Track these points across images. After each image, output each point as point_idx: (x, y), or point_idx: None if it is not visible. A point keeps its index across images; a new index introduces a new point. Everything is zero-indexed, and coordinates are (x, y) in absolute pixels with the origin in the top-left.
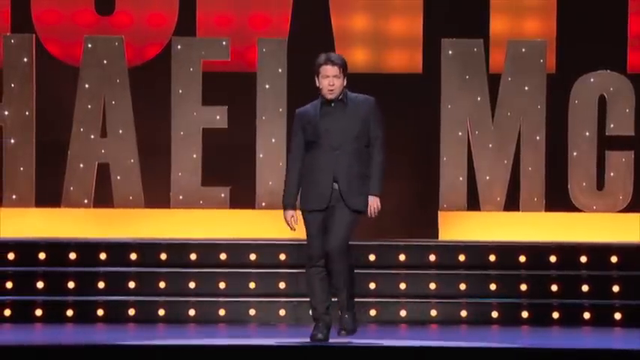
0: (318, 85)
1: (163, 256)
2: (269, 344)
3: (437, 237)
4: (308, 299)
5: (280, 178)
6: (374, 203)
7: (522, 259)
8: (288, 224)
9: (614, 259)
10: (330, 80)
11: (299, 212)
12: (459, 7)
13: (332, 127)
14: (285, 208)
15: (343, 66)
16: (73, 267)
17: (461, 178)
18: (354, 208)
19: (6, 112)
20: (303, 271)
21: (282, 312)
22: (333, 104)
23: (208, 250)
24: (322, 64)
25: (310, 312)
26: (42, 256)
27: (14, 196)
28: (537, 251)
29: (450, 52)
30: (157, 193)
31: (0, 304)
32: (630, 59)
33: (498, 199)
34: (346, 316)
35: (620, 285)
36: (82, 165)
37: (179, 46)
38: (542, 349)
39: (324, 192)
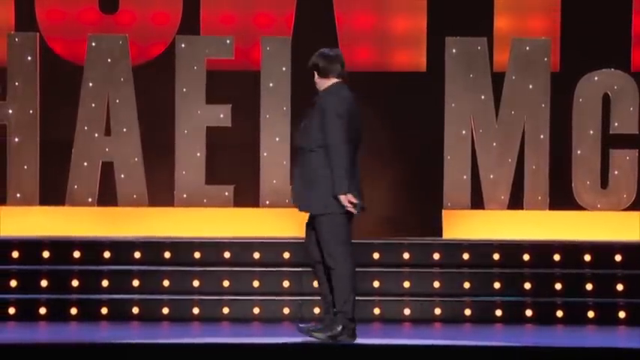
0: None
1: (167, 255)
2: (273, 342)
3: (441, 235)
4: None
5: (284, 177)
6: (343, 201)
7: (526, 257)
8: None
9: (618, 257)
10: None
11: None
12: (462, 6)
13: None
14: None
15: (309, 67)
16: (77, 265)
17: (465, 177)
18: (302, 211)
19: (10, 111)
20: (307, 269)
21: (286, 310)
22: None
23: (212, 248)
24: None
25: None
26: (46, 254)
27: (18, 195)
28: (541, 250)
29: (454, 50)
30: (160, 192)
31: (4, 302)
32: (634, 58)
33: (502, 197)
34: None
35: (624, 283)
36: (86, 163)
37: (183, 45)
38: (546, 348)
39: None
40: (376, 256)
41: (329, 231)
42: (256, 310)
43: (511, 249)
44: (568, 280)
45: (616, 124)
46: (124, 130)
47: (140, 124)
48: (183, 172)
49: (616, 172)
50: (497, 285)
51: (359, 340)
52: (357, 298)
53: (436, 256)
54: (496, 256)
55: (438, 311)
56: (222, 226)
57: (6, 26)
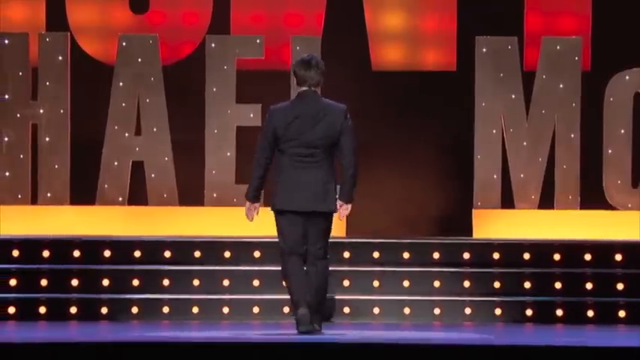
0: None
1: (197, 254)
2: (304, 341)
3: (471, 235)
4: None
5: None
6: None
7: (557, 257)
8: None
9: None
10: None
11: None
12: (493, 5)
13: None
14: None
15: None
16: (107, 265)
17: (495, 176)
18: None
19: (41, 111)
20: (336, 269)
21: None
22: None
23: (242, 247)
24: None
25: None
26: (76, 253)
27: (49, 194)
28: (572, 249)
29: (485, 49)
30: (191, 191)
31: (35, 301)
32: None
33: (533, 197)
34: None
35: None
36: (116, 163)
37: (213, 44)
38: (577, 347)
39: None
40: (406, 255)
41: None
42: (286, 310)
43: (542, 248)
44: (599, 279)
45: None
46: (155, 129)
47: (170, 124)
48: (213, 171)
49: None
50: (527, 285)
51: (387, 340)
52: (387, 298)
53: (466, 255)
54: (526, 256)
55: (468, 311)
56: (252, 225)
57: (37, 26)
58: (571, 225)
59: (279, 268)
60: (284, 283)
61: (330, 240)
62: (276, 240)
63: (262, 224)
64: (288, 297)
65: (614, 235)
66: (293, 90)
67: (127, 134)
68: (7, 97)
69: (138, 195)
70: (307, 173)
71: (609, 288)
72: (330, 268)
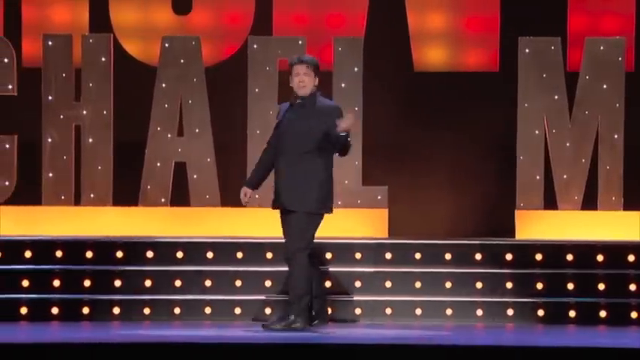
0: (291, 85)
1: (239, 255)
2: (336, 342)
3: (514, 236)
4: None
5: (354, 177)
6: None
7: (600, 258)
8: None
9: None
10: (300, 77)
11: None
12: (536, 5)
13: (288, 130)
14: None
15: (312, 64)
16: (149, 266)
17: (538, 177)
18: (288, 209)
19: (84, 112)
20: (379, 269)
21: (357, 311)
22: (295, 107)
23: (284, 248)
24: (293, 64)
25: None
26: (119, 254)
27: (92, 195)
28: (615, 250)
29: (527, 50)
30: (233, 192)
31: (78, 302)
32: None
33: (576, 198)
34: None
35: None
36: (159, 164)
37: (255, 45)
38: (620, 349)
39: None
40: (448, 256)
41: (299, 230)
42: (329, 310)
43: (585, 250)
44: None
45: None
46: (197, 130)
47: (213, 125)
48: None
49: None
50: (570, 286)
51: (428, 342)
52: (429, 299)
53: (509, 256)
54: (569, 257)
55: (510, 312)
56: None
57: (80, 27)
58: (614, 226)
59: (321, 268)
60: (304, 281)
61: (372, 241)
62: (319, 242)
63: None
64: (330, 298)
65: None
66: (335, 91)
67: (169, 135)
68: (50, 98)
69: (180, 196)
70: None
71: None
72: (372, 269)
